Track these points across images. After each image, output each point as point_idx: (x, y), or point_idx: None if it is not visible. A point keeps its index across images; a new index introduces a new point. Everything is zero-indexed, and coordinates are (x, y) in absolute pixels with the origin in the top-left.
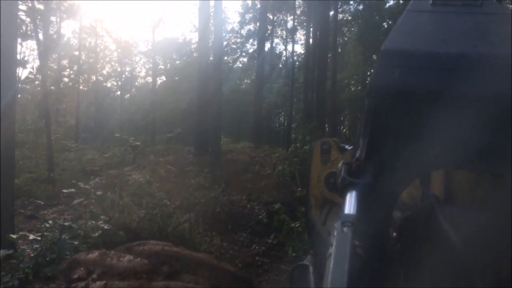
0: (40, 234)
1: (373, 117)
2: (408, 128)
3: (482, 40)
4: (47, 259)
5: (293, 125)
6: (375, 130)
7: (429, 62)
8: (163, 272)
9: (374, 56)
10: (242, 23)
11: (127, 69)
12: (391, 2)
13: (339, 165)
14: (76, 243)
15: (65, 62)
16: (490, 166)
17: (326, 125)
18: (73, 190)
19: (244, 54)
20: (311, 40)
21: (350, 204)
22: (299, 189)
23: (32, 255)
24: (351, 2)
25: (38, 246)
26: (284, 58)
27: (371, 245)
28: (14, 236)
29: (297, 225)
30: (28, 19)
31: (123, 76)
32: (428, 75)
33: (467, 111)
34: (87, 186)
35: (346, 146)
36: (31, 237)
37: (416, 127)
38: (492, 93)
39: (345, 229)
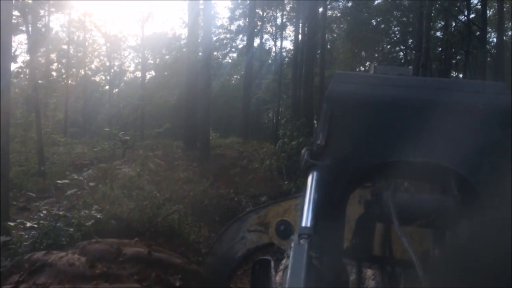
0: (36, 222)
1: (329, 118)
2: (356, 128)
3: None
4: (44, 245)
5: (282, 121)
6: (331, 127)
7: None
8: None
9: (363, 53)
10: (232, 19)
11: (116, 63)
12: (380, 0)
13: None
14: (71, 230)
15: (53, 56)
16: (421, 157)
17: (315, 121)
18: (67, 181)
19: (233, 49)
20: (300, 37)
21: (306, 216)
22: (286, 182)
23: (28, 242)
24: None
25: (35, 232)
26: (274, 54)
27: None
28: (12, 224)
29: None
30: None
31: (112, 70)
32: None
33: (397, 114)
34: (80, 178)
35: None
36: (28, 224)
37: (362, 128)
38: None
39: (301, 241)
